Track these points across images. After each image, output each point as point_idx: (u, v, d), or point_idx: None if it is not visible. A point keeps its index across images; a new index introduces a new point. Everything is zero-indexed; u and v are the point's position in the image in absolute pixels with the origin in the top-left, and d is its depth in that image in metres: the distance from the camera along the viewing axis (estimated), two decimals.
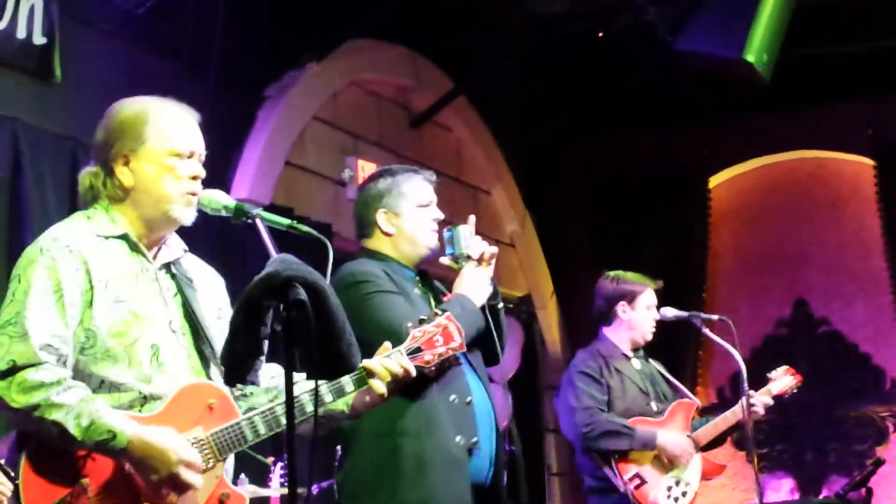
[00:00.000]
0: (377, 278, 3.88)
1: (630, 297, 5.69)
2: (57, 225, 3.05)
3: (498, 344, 4.03)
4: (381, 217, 4.04)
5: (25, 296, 2.85)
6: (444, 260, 4.08)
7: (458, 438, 3.83)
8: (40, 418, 2.78)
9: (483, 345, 3.98)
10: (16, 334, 2.81)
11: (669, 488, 5.48)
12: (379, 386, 3.10)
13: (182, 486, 2.85)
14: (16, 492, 2.78)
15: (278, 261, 2.43)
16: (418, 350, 3.22)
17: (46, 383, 2.78)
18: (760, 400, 5.72)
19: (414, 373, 3.19)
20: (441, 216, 4.09)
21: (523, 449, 9.12)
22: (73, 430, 2.78)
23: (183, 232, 3.15)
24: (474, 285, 3.94)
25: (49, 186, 5.26)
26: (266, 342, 2.45)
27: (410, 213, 4.04)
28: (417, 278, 4.09)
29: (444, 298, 4.03)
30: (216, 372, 3.00)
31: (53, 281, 2.88)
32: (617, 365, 5.64)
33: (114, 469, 2.84)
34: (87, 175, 3.08)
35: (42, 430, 2.80)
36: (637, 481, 5.40)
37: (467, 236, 4.01)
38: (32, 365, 2.79)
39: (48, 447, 2.82)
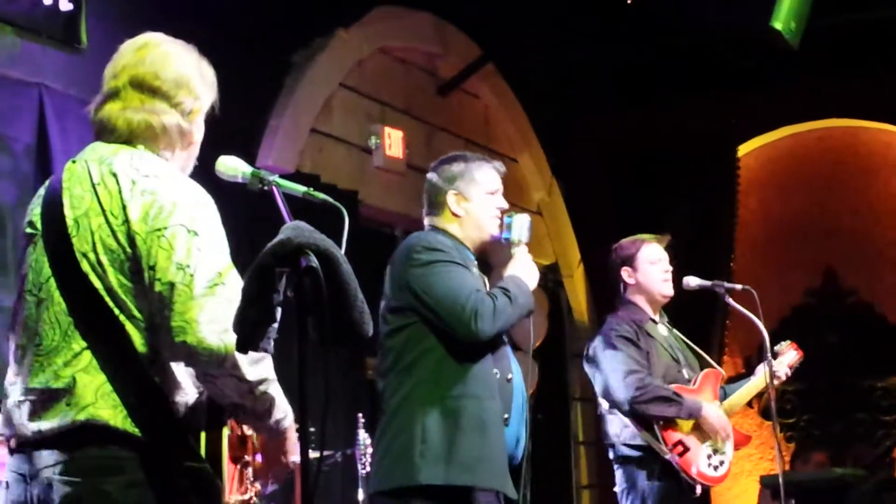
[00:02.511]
0: (449, 249, 4.08)
1: (630, 260, 5.61)
2: (167, 164, 2.81)
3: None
4: (451, 198, 4.22)
5: (220, 255, 2.65)
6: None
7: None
8: (264, 392, 2.65)
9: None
10: (236, 300, 2.55)
11: (709, 456, 5.45)
12: None
13: (288, 470, 2.86)
14: (201, 474, 2.65)
15: (290, 228, 2.42)
16: None
17: (263, 357, 2.64)
18: (781, 369, 5.71)
19: None
20: (506, 205, 4.29)
21: (550, 418, 9.19)
22: (277, 405, 2.69)
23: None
24: (527, 269, 4.18)
25: (75, 152, 5.27)
26: (279, 309, 2.44)
27: (479, 199, 4.24)
28: (476, 262, 4.27)
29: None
30: None
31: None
32: (648, 329, 5.57)
33: (250, 446, 2.84)
34: (170, 116, 2.84)
35: (257, 405, 2.66)
36: (681, 448, 5.34)
37: (524, 225, 4.24)
38: None
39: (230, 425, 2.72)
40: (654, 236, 5.69)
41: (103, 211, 2.69)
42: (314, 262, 2.36)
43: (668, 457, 5.30)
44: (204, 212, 2.69)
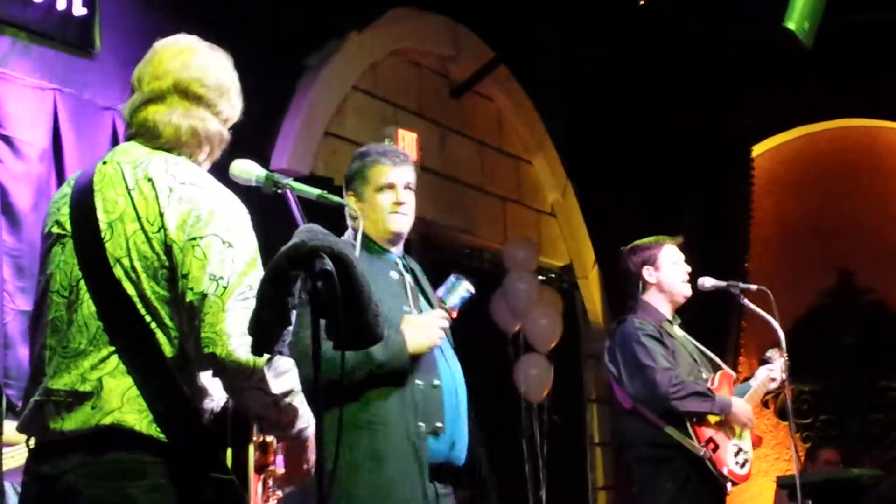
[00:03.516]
0: None
1: (652, 260, 5.60)
2: (202, 171, 2.80)
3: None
4: (349, 200, 4.12)
5: (254, 269, 2.65)
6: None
7: (420, 424, 3.89)
8: (288, 404, 2.65)
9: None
10: None
11: (735, 454, 5.44)
12: None
13: (309, 475, 2.87)
14: (226, 486, 2.65)
15: (304, 231, 2.43)
16: None
17: (288, 369, 2.65)
18: (777, 374, 5.74)
19: None
20: (402, 200, 4.11)
21: (565, 419, 9.18)
22: (301, 415, 2.70)
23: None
24: (422, 331, 3.96)
25: (89, 157, 5.29)
26: (293, 312, 2.45)
27: (370, 197, 4.12)
28: (396, 260, 4.15)
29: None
30: None
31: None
32: (667, 329, 5.55)
33: (271, 453, 2.87)
34: (213, 123, 2.86)
35: (281, 417, 2.66)
36: (713, 445, 5.31)
37: (461, 295, 4.10)
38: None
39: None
40: (669, 238, 5.69)
41: (138, 217, 2.68)
42: (328, 265, 2.36)
43: (702, 454, 5.26)
44: (239, 223, 2.69)
